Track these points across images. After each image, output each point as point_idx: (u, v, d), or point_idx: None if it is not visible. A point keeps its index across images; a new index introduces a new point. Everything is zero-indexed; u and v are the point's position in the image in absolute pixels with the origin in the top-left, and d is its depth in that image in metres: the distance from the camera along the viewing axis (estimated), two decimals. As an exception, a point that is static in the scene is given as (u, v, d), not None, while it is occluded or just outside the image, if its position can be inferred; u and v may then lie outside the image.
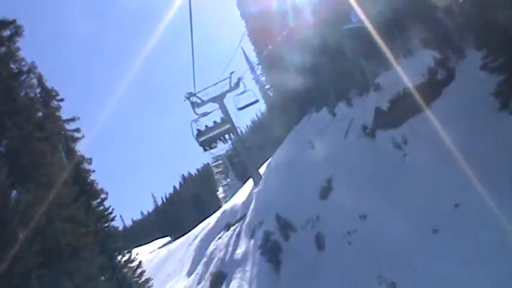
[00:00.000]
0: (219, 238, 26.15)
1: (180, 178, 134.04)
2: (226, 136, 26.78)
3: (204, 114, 28.21)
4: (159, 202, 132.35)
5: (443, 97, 14.08)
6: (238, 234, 23.02)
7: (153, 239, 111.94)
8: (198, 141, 25.53)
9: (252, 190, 28.39)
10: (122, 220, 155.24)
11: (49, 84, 18.37)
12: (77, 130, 18.31)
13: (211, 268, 22.63)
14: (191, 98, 28.83)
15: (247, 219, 23.51)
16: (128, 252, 22.37)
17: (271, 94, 37.54)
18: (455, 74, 14.57)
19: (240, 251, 21.10)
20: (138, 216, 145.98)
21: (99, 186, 19.70)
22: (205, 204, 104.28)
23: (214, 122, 26.67)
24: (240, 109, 28.55)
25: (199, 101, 29.50)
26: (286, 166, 23.11)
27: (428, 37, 15.04)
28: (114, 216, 20.57)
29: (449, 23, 15.15)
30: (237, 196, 34.98)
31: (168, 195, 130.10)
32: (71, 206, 12.35)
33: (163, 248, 39.69)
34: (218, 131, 25.81)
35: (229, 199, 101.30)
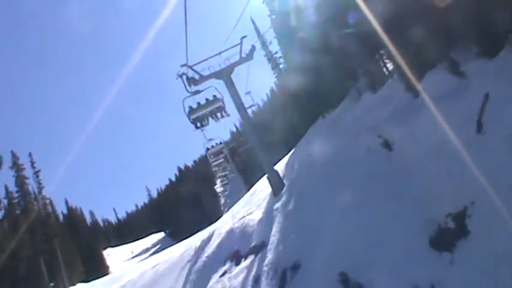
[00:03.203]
0: (224, 273, 17.46)
1: (176, 170, 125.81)
2: (218, 114, 22.82)
3: (197, 92, 21.51)
4: (155, 195, 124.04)
5: None
6: (257, 280, 14.24)
7: (147, 234, 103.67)
8: (189, 119, 21.99)
9: (269, 201, 19.60)
10: (115, 213, 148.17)
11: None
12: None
13: (215, 333, 13.89)
14: (183, 75, 20.92)
15: (268, 255, 14.69)
16: None
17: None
18: None
19: (262, 315, 12.34)
20: (132, 209, 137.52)
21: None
22: (202, 197, 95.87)
23: (207, 99, 22.23)
24: None
25: (196, 76, 20.98)
26: (335, 173, 14.20)
27: None
28: None
29: None
30: (244, 203, 26.10)
31: (163, 188, 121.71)
32: None
33: (150, 267, 30.75)
34: (210, 108, 22.18)
35: (228, 193, 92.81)
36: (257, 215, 19.01)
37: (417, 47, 12.88)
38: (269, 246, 15.16)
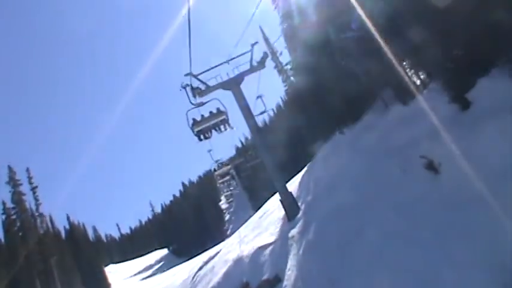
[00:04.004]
0: (232, 310, 15.20)
1: (180, 186, 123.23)
2: (222, 127, 21.32)
3: (201, 104, 19.92)
4: (158, 210, 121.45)
5: None
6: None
7: (151, 250, 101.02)
8: (193, 131, 20.68)
9: (282, 227, 17.42)
10: (118, 228, 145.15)
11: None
12: None
13: None
14: (187, 86, 19.07)
15: (285, 292, 12.49)
16: None
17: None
18: None
19: None
20: (136, 224, 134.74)
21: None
22: (206, 214, 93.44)
23: (211, 112, 20.79)
24: None
25: (202, 87, 19.02)
26: (363, 197, 12.02)
27: None
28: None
29: None
30: (253, 226, 23.81)
31: (167, 204, 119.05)
32: None
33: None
34: (214, 121, 20.81)
35: (233, 210, 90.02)
36: (269, 242, 16.79)
37: (463, 49, 10.84)
38: (285, 283, 12.97)
